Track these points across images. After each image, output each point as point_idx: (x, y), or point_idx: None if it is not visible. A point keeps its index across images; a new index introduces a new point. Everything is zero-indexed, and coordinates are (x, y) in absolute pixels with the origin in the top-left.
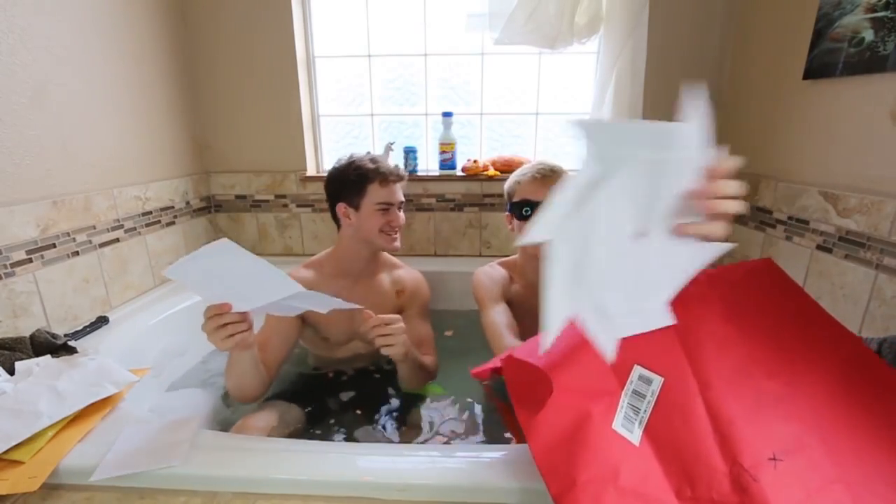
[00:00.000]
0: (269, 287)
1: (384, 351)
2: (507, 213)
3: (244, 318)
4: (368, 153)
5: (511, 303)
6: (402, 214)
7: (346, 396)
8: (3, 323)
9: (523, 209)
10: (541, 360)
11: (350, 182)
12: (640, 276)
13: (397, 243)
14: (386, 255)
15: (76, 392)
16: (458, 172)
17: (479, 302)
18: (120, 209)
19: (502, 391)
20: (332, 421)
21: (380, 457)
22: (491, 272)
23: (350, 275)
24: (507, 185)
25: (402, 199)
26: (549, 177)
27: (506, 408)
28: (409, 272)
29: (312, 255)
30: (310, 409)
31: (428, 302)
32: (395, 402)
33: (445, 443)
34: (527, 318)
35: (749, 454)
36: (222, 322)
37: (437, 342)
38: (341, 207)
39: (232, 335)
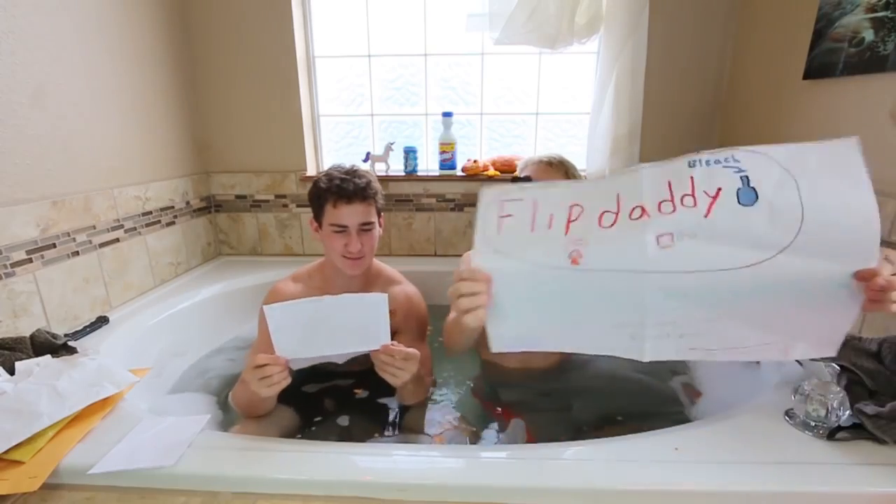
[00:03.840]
0: (361, 337)
1: (385, 378)
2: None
3: (285, 367)
4: (368, 154)
5: None
6: (374, 233)
7: (342, 397)
8: (3, 323)
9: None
10: None
11: (313, 198)
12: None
13: (357, 270)
14: (381, 267)
15: (76, 392)
16: (458, 172)
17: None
18: (120, 209)
19: (490, 394)
20: (329, 422)
21: (380, 457)
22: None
23: (337, 289)
24: (518, 166)
25: (366, 219)
26: (554, 165)
27: (492, 405)
28: (404, 290)
29: (312, 255)
30: (305, 410)
31: (425, 321)
32: (391, 404)
33: (443, 443)
34: None
35: None
36: (267, 374)
37: (431, 344)
38: (313, 223)
39: (274, 384)
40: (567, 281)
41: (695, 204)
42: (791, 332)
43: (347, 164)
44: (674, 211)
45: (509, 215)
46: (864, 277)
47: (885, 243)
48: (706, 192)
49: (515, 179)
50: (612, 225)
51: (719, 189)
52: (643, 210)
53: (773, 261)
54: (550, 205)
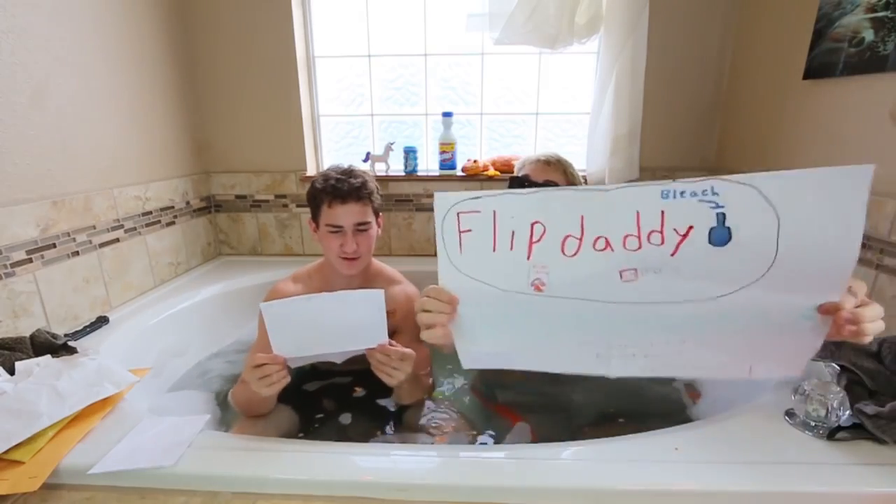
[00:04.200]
0: (359, 335)
1: (381, 377)
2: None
3: (283, 366)
4: (368, 154)
5: None
6: (370, 233)
7: (341, 397)
8: (3, 323)
9: (523, 184)
10: None
11: (310, 199)
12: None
13: (353, 270)
14: (381, 267)
15: (76, 392)
16: (458, 172)
17: None
18: (120, 209)
19: (491, 394)
20: (328, 421)
21: (380, 457)
22: None
23: (337, 289)
24: (515, 166)
25: (361, 219)
26: (552, 164)
27: (492, 405)
28: (403, 290)
29: (312, 255)
30: (305, 409)
31: None
32: (391, 403)
33: (444, 443)
34: None
35: None
36: (266, 373)
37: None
38: (311, 223)
39: (273, 384)
40: (531, 306)
41: (662, 242)
42: (755, 355)
43: (346, 164)
44: (639, 248)
45: (469, 230)
46: (828, 311)
47: (885, 243)
48: (676, 230)
49: (514, 179)
50: (576, 254)
51: (690, 227)
52: (608, 242)
53: (737, 294)
54: (510, 219)
